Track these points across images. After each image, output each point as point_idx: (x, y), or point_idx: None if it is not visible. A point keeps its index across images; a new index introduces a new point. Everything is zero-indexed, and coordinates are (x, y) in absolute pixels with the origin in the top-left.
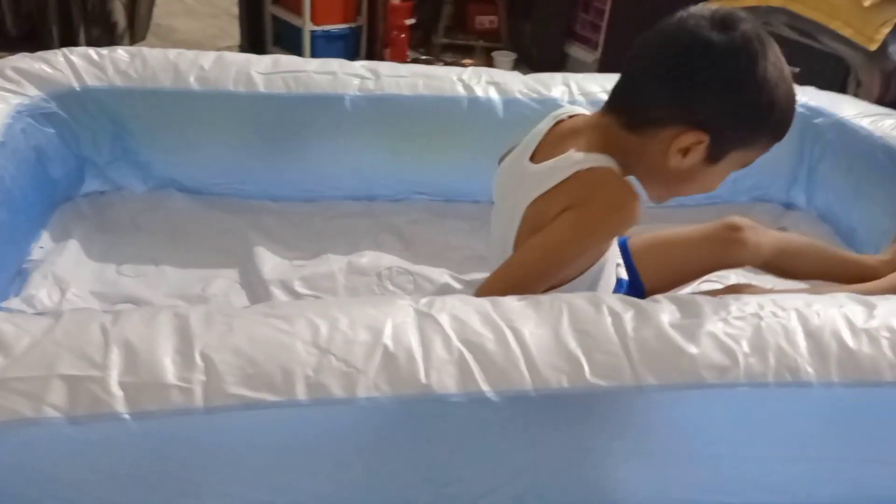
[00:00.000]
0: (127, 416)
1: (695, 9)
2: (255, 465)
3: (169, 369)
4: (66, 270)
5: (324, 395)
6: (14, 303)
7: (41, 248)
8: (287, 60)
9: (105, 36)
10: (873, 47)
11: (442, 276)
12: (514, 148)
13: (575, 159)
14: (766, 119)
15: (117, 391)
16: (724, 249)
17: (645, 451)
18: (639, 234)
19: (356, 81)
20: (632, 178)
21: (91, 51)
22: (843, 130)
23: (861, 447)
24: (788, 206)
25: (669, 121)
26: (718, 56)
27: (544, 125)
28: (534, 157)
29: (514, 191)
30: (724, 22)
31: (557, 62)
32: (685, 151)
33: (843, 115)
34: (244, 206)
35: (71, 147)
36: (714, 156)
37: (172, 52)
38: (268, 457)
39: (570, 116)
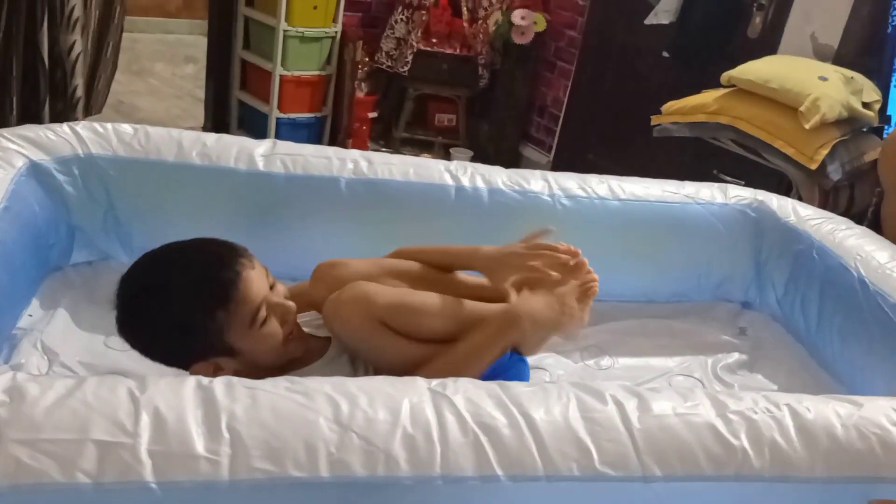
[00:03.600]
0: (154, 486)
1: None
2: None
3: (197, 440)
4: (54, 340)
5: (345, 473)
6: (2, 371)
7: (30, 315)
8: (284, 144)
9: (67, 110)
10: (813, 167)
11: None
12: None
13: None
14: None
15: (146, 459)
16: None
17: None
18: None
19: (351, 165)
20: None
21: (96, 124)
22: (786, 233)
23: None
24: (746, 304)
25: None
26: None
27: None
28: None
29: None
30: None
31: (512, 161)
32: None
33: (788, 219)
34: None
35: (64, 215)
36: None
37: (175, 131)
38: None
39: None
